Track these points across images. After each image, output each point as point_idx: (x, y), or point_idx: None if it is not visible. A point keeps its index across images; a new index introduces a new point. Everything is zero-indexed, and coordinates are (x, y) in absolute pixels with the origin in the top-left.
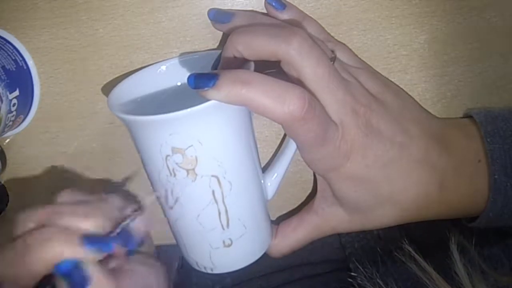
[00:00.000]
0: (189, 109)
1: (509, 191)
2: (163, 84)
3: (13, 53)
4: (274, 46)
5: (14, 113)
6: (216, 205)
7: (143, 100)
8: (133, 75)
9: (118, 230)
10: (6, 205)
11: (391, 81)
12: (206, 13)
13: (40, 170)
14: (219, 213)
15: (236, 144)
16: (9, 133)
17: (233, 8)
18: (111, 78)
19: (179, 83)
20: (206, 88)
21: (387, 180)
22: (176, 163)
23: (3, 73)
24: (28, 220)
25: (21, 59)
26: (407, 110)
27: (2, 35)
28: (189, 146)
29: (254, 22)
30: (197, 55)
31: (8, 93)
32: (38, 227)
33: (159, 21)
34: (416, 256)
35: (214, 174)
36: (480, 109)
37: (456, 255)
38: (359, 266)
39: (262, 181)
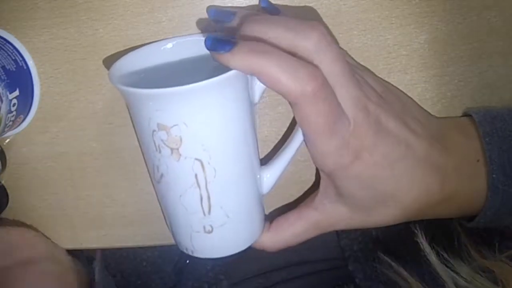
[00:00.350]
0: (174, 88)
1: (507, 191)
2: (168, 61)
3: (13, 53)
4: (291, 39)
5: (14, 113)
6: (198, 189)
7: (146, 76)
8: (138, 50)
9: None
10: (6, 205)
11: (388, 82)
12: (206, 14)
13: (40, 170)
14: (201, 198)
15: (227, 133)
16: (9, 133)
17: (233, 6)
18: None
19: (185, 61)
20: (221, 51)
21: (393, 179)
22: (161, 140)
23: (3, 73)
24: None
25: (21, 59)
26: (410, 110)
27: (2, 35)
28: (174, 125)
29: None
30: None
31: (8, 93)
32: None
33: (159, 21)
34: (392, 263)
35: (197, 157)
36: (480, 108)
37: (426, 247)
38: (358, 269)
39: (258, 175)
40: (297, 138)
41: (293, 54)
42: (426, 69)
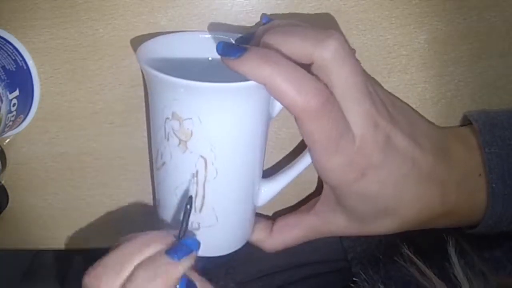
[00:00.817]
0: (196, 82)
1: (507, 200)
2: (203, 54)
3: (13, 53)
4: (308, 48)
5: (14, 113)
6: (195, 186)
7: (177, 62)
8: (175, 34)
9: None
10: (6, 205)
11: (394, 95)
12: (206, 13)
13: (40, 170)
14: (196, 195)
15: (238, 139)
16: (9, 133)
17: (232, 8)
18: (111, 78)
19: (211, 58)
20: (232, 57)
21: (396, 195)
22: (173, 129)
23: (3, 73)
24: (103, 275)
25: (21, 59)
26: (417, 123)
27: (2, 35)
28: (188, 118)
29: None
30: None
31: (8, 93)
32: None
33: (159, 21)
34: (416, 260)
35: (203, 155)
36: (479, 114)
37: (454, 258)
38: (361, 271)
39: (257, 188)
40: (304, 161)
41: (309, 64)
42: (426, 69)
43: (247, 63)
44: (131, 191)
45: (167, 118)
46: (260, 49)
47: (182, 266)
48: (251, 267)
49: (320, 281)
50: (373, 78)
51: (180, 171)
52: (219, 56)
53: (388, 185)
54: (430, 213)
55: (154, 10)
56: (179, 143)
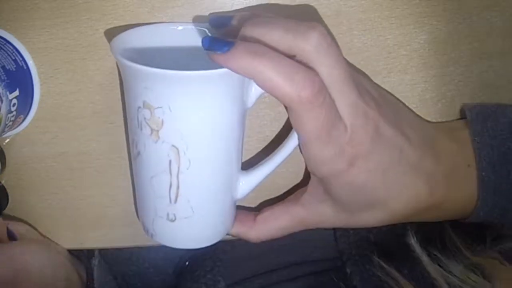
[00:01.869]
0: (164, 70)
1: (498, 190)
2: (177, 44)
3: (13, 53)
4: (290, 41)
5: (14, 113)
6: (169, 176)
7: (150, 54)
8: (146, 26)
9: None
10: (6, 205)
11: (381, 86)
12: (206, 13)
13: (40, 170)
14: (170, 185)
15: (208, 128)
16: (9, 133)
17: (233, 7)
18: (111, 78)
19: (194, 48)
20: (218, 52)
21: (383, 186)
22: (144, 118)
23: (3, 73)
24: None
25: (21, 59)
26: (404, 115)
27: (2, 35)
28: (159, 107)
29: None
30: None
31: (8, 93)
32: None
33: (159, 21)
34: (384, 265)
35: (174, 144)
36: (475, 105)
37: (417, 247)
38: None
39: (235, 179)
40: (284, 152)
41: (292, 56)
42: (426, 69)
43: (235, 57)
44: (131, 191)
45: (139, 107)
46: (248, 43)
47: None
48: (247, 265)
49: (315, 279)
50: (359, 70)
51: (154, 161)
52: (193, 47)
53: (376, 175)
54: (418, 204)
55: (154, 10)
56: (151, 133)
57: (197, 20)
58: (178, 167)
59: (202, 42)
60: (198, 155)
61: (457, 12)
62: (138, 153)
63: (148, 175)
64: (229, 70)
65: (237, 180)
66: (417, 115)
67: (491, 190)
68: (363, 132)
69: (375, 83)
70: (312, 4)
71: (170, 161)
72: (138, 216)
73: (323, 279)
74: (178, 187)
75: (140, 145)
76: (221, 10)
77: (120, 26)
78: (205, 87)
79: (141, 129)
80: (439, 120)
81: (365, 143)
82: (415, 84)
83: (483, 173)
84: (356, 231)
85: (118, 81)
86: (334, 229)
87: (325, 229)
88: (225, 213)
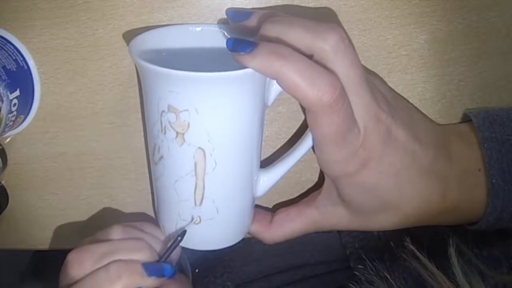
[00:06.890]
0: (191, 73)
1: (507, 195)
2: (195, 45)
3: (14, 53)
4: (309, 40)
5: (15, 113)
6: (194, 178)
7: (169, 56)
8: (165, 28)
9: (163, 259)
10: (6, 205)
11: (395, 90)
12: (206, 13)
13: (40, 170)
14: (196, 188)
15: (235, 128)
16: (9, 133)
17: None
18: (111, 78)
19: (213, 49)
20: (242, 53)
21: (396, 188)
22: (169, 122)
23: (3, 73)
24: (85, 259)
25: (21, 59)
26: (417, 118)
27: (3, 35)
28: (184, 110)
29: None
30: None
31: (8, 93)
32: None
33: (159, 21)
34: (419, 255)
35: (201, 146)
36: (479, 110)
37: (454, 258)
38: (360, 265)
39: (256, 177)
40: (302, 149)
41: (310, 56)
42: (426, 69)
43: (259, 58)
44: (131, 191)
45: (163, 111)
46: (271, 44)
47: (146, 282)
48: (251, 268)
49: (319, 282)
50: (374, 73)
51: (179, 164)
52: (212, 48)
53: (388, 177)
54: (430, 208)
55: (154, 10)
56: (176, 136)
57: (190, 21)
58: (204, 169)
59: (227, 43)
60: (223, 155)
61: (457, 12)
62: (161, 158)
63: (172, 179)
64: (253, 70)
65: (258, 177)
66: (430, 118)
67: (500, 196)
68: (376, 134)
69: (389, 87)
70: (311, 4)
71: (195, 163)
72: (157, 220)
73: (326, 281)
74: (203, 189)
75: (163, 149)
76: (220, 10)
77: (120, 27)
78: (230, 87)
79: (165, 133)
80: (439, 120)
81: (377, 145)
82: (415, 84)
83: (493, 180)
84: (364, 232)
85: (118, 81)
86: (339, 231)
87: (329, 232)
88: (246, 212)
